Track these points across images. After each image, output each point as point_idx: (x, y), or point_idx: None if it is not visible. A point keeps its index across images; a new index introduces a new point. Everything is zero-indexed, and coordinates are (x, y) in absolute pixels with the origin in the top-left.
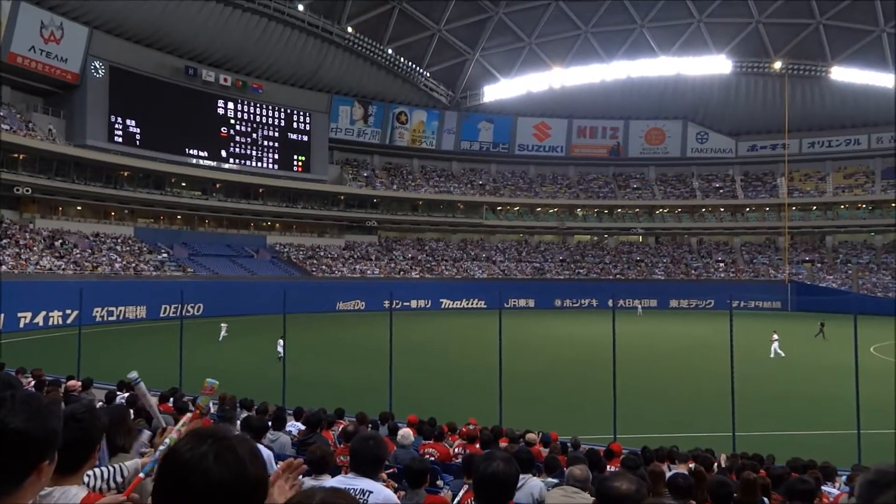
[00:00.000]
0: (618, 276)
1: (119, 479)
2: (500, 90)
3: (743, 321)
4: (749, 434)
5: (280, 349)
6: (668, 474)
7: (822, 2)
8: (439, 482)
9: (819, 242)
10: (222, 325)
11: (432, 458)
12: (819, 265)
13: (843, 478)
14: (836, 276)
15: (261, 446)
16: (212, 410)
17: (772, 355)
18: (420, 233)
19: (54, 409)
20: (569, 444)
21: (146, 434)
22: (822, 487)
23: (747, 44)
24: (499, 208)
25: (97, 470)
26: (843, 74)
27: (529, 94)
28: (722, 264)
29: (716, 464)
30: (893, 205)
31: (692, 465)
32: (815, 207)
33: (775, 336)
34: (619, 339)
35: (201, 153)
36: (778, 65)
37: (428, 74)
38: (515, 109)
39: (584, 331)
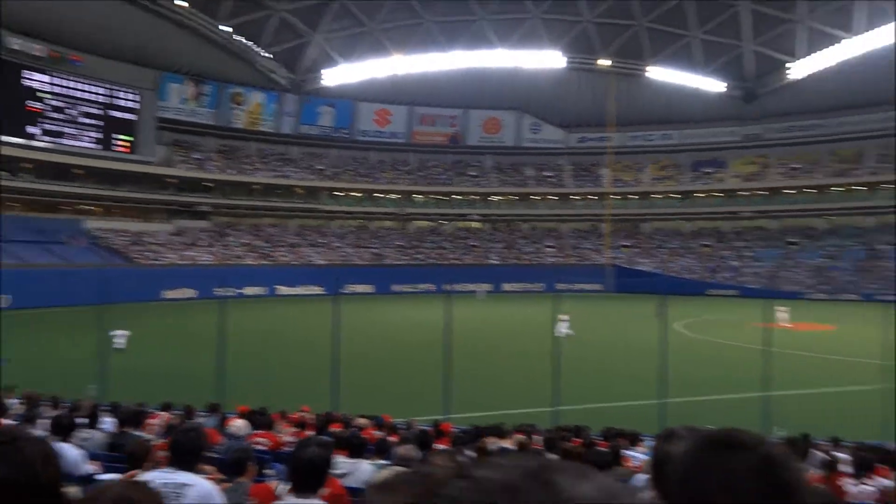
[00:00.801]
0: (454, 261)
1: None
2: (341, 74)
3: (570, 303)
4: (570, 408)
5: (118, 340)
6: (493, 449)
7: (644, 3)
8: (269, 471)
9: (636, 229)
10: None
11: (264, 448)
12: (637, 250)
13: (651, 443)
14: (650, 260)
15: (70, 446)
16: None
17: (562, 335)
18: (256, 218)
19: None
20: (401, 427)
21: None
22: (628, 452)
23: (579, 41)
24: (338, 194)
25: None
26: (660, 74)
27: (371, 79)
28: (551, 249)
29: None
30: (699, 195)
31: (519, 438)
32: (636, 196)
33: (564, 317)
34: (455, 324)
35: (6, 129)
36: (604, 62)
37: (267, 55)
38: (357, 94)
39: (422, 315)
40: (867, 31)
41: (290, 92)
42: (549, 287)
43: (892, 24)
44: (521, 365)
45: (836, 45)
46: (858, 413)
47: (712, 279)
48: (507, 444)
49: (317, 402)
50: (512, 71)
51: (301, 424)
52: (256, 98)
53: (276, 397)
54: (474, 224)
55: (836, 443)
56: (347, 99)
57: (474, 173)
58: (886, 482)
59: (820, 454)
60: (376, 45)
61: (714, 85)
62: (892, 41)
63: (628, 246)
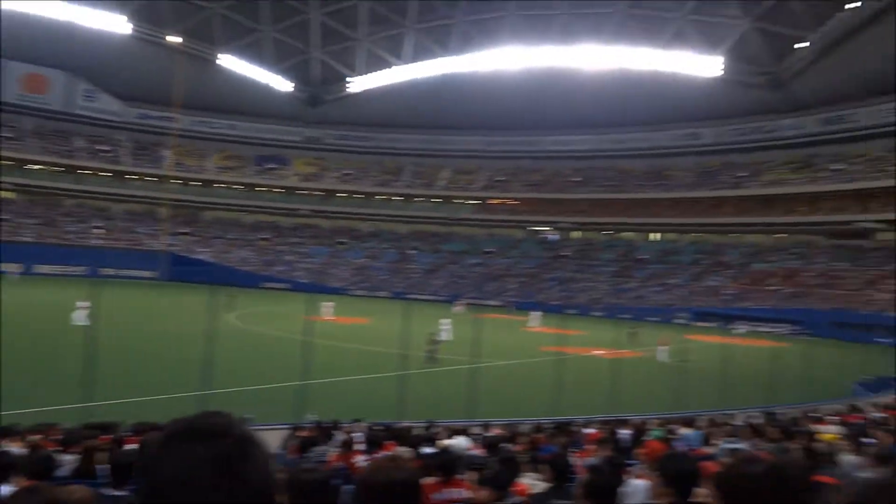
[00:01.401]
0: None
1: None
2: None
3: (116, 290)
4: (106, 403)
5: None
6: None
7: None
8: None
9: (196, 216)
10: None
11: None
12: (195, 238)
13: None
14: (209, 249)
15: None
16: None
17: (80, 323)
18: None
19: None
20: None
21: None
22: None
23: (147, 10)
24: None
25: None
26: (232, 63)
27: None
28: (100, 230)
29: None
30: (261, 189)
31: (33, 438)
32: (199, 183)
33: (83, 304)
34: None
35: None
36: (174, 39)
37: None
38: None
39: None
40: (413, 61)
41: None
42: (93, 271)
43: (434, 59)
44: (49, 356)
45: (389, 69)
46: (380, 396)
47: (267, 272)
48: (16, 446)
49: None
50: (66, 26)
51: None
52: None
53: None
54: (6, 194)
55: (358, 423)
56: None
57: (9, 135)
58: (391, 454)
59: (343, 435)
60: None
61: (282, 84)
62: (433, 74)
63: (186, 233)
